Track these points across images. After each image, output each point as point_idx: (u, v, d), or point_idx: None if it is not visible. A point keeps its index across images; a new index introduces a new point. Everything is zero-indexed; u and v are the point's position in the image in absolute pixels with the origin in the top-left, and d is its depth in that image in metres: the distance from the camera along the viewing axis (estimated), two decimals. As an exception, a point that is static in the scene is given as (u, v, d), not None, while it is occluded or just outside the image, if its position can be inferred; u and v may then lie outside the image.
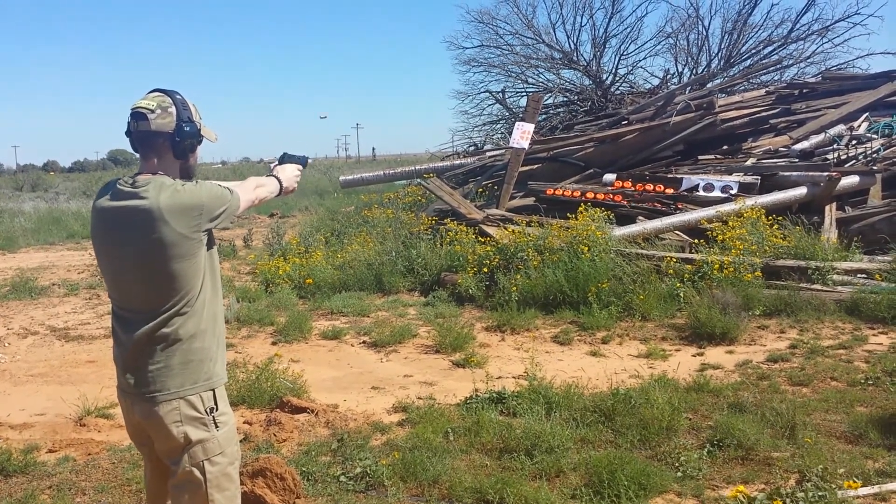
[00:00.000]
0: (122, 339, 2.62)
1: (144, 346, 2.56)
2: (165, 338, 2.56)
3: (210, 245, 2.66)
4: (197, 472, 2.61)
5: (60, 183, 40.88)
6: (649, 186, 11.33)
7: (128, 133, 2.65)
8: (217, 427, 2.65)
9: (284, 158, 3.15)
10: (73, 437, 5.20)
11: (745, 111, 14.44)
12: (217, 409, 2.66)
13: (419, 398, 5.75)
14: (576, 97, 24.25)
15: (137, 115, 2.59)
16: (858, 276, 8.31)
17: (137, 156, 2.66)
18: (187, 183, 2.59)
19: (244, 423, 5.18)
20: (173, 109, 2.61)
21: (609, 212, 10.28)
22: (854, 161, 11.32)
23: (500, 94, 25.36)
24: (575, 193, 11.63)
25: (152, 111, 2.58)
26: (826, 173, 10.23)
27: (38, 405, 6.00)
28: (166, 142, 2.62)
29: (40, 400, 6.14)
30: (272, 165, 3.14)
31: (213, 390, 2.67)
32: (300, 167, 3.16)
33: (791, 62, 22.59)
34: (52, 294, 10.89)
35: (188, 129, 2.64)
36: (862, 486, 3.78)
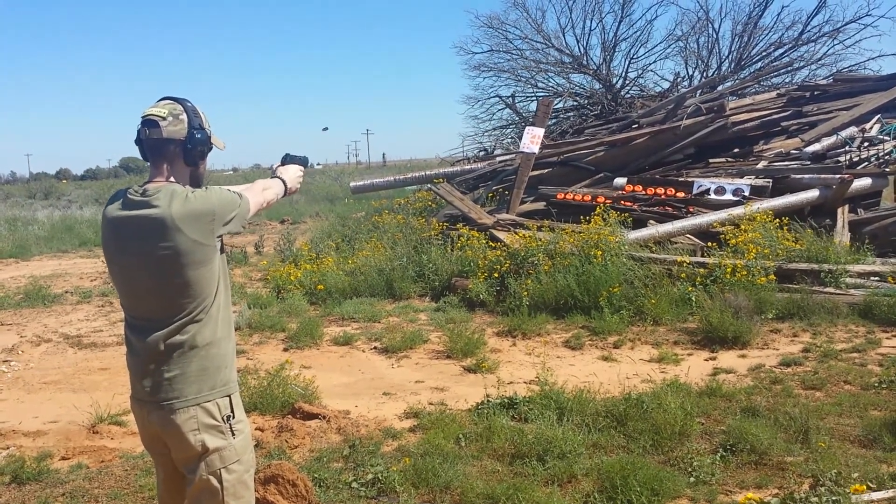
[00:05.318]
0: (136, 348, 2.61)
1: (161, 354, 2.56)
2: (181, 345, 2.56)
3: (221, 251, 2.67)
4: (214, 481, 2.61)
5: (73, 191, 41.17)
6: (660, 190, 11.31)
7: (138, 141, 2.65)
8: (234, 435, 2.64)
9: (286, 159, 3.16)
10: (85, 445, 5.22)
11: (756, 114, 14.39)
12: (234, 417, 2.66)
13: (430, 404, 5.75)
14: (586, 101, 24.19)
15: (149, 123, 2.59)
16: (871, 278, 8.27)
17: (148, 163, 2.67)
18: (197, 190, 2.59)
19: (256, 429, 5.18)
20: (184, 117, 2.62)
21: (626, 214, 10.27)
22: (866, 163, 11.26)
23: (510, 98, 25.35)
24: (586, 197, 11.61)
25: (164, 118, 2.58)
26: (838, 176, 10.18)
27: (52, 412, 6.03)
28: (178, 149, 2.62)
29: (53, 407, 6.17)
30: (274, 167, 3.15)
31: (230, 397, 2.67)
32: (302, 167, 3.17)
33: (802, 64, 22.47)
34: (64, 302, 10.95)
35: (199, 136, 2.64)
36: (876, 491, 3.76)
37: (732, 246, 8.80)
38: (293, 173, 3.11)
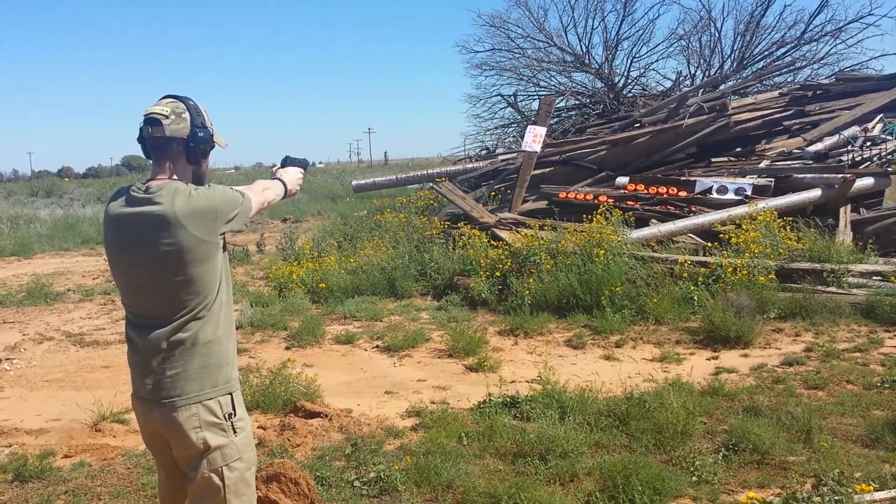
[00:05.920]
0: (138, 345, 2.61)
1: (162, 352, 2.56)
2: (182, 342, 2.56)
3: (223, 248, 2.67)
4: (216, 478, 2.61)
5: (75, 189, 41.16)
6: (662, 189, 11.30)
7: (140, 139, 2.65)
8: (235, 432, 2.65)
9: (286, 161, 3.17)
10: (88, 443, 5.23)
11: (759, 113, 14.38)
12: (235, 415, 2.66)
13: (432, 403, 5.75)
14: (588, 100, 24.20)
15: (152, 121, 2.59)
16: (874, 278, 8.26)
17: (150, 161, 2.67)
18: (200, 187, 2.60)
19: (258, 427, 5.19)
20: (187, 115, 2.62)
21: (628, 213, 10.27)
22: (869, 162, 11.25)
23: (512, 97, 25.38)
24: (588, 196, 11.61)
25: (167, 117, 2.58)
26: (840, 175, 10.17)
27: (54, 411, 6.03)
28: (180, 147, 2.62)
29: (56, 405, 6.17)
30: (274, 169, 3.16)
31: (231, 394, 2.67)
32: (302, 169, 3.17)
33: (804, 63, 22.47)
34: (67, 300, 10.96)
35: (202, 134, 2.64)
36: (878, 490, 3.75)
37: (734, 245, 8.80)
38: (293, 175, 3.11)
